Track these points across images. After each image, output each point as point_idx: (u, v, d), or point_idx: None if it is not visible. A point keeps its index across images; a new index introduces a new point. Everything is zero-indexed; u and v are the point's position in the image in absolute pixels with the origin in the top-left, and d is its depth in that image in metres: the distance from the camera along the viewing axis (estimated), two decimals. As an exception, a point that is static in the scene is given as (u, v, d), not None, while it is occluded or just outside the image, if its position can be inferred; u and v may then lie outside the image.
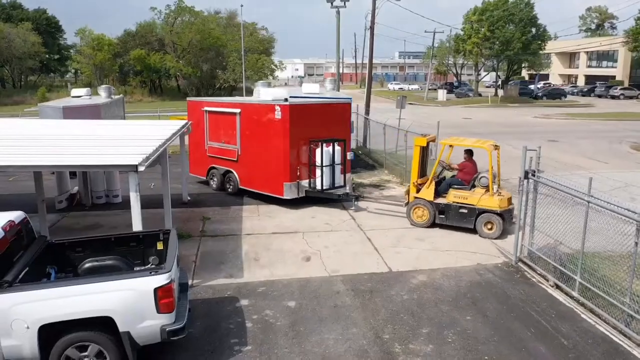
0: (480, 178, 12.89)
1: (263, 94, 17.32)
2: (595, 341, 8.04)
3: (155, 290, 6.63)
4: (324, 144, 14.68)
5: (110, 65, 62.87)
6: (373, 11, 25.26)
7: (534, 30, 63.52)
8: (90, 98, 21.73)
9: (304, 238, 12.48)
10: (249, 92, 62.50)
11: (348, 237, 12.63)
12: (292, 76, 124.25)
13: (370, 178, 19.30)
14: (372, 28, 24.68)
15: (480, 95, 67.04)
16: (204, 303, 9.10)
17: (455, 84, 79.52)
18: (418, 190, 13.36)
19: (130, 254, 8.29)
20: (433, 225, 13.17)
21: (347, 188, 15.60)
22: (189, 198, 15.71)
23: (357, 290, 9.69)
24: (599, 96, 71.02)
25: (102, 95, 22.30)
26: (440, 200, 13.08)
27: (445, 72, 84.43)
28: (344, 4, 26.78)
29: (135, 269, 7.81)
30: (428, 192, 13.14)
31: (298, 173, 14.85)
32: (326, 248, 11.80)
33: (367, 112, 25.52)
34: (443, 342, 7.93)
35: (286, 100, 14.83)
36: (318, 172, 14.74)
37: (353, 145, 25.86)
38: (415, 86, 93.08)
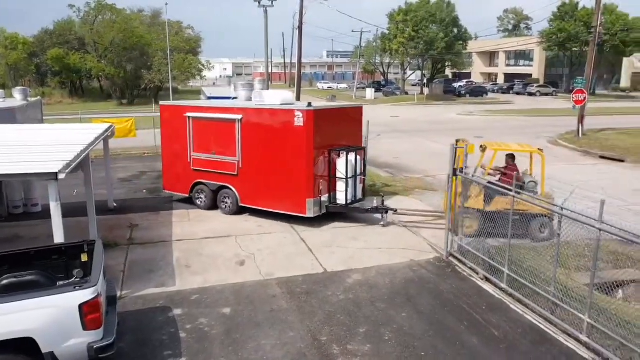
0: (528, 182, 12.44)
1: (268, 97, 14.16)
2: (525, 330, 8.36)
3: (81, 306, 6.26)
4: (348, 153, 13.42)
5: (25, 66, 59.55)
6: (301, 11, 25.31)
7: (456, 30, 65.88)
8: (4, 101, 20.46)
9: (237, 242, 12.27)
10: (177, 93, 61.24)
11: (282, 239, 12.53)
12: (221, 76, 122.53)
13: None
14: (300, 27, 24.67)
15: (407, 93, 68.77)
16: (135, 315, 8.72)
17: (383, 82, 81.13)
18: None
19: (53, 268, 7.80)
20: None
21: (375, 202, 13.74)
22: (115, 204, 15.04)
23: (293, 292, 9.60)
24: (518, 93, 74.52)
25: (17, 98, 21.03)
26: (490, 209, 11.38)
27: (373, 71, 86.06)
28: (272, 3, 26.63)
29: (58, 284, 7.34)
30: (477, 201, 11.86)
31: (320, 187, 13.31)
32: (260, 251, 11.65)
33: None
34: (380, 340, 7.99)
35: (310, 105, 13.03)
36: (340, 184, 13.43)
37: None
38: (344, 85, 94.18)
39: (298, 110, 12.87)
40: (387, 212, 13.53)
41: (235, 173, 14.07)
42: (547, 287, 8.81)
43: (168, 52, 52.19)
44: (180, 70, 59.32)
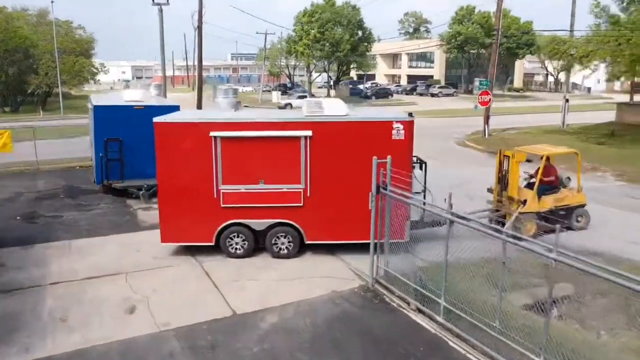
0: (564, 179, 13.88)
1: (328, 107, 11.40)
2: (470, 377, 7.22)
3: None
4: (424, 165, 12.30)
5: None
6: (200, 9, 23.34)
7: (360, 32, 65.99)
8: None
9: (128, 281, 10.26)
10: (69, 99, 56.42)
11: (182, 273, 10.68)
12: (119, 79, 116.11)
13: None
14: (199, 27, 22.73)
15: (313, 96, 67.97)
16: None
17: (289, 85, 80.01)
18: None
19: None
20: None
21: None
22: (-23, 237, 12.49)
23: (195, 347, 7.87)
24: (421, 94, 76.11)
25: None
26: (542, 209, 13.19)
27: (279, 74, 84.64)
28: (167, 1, 24.42)
29: None
30: (534, 205, 13.05)
31: None
32: (155, 292, 9.75)
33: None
34: (304, 408, 6.52)
35: (411, 115, 11.39)
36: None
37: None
38: (249, 88, 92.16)
39: (398, 121, 11.05)
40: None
41: (301, 204, 11.19)
42: (491, 321, 7.74)
43: (55, 54, 47.85)
44: (71, 74, 54.69)
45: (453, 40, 72.90)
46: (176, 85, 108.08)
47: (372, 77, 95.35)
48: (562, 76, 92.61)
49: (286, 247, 11.42)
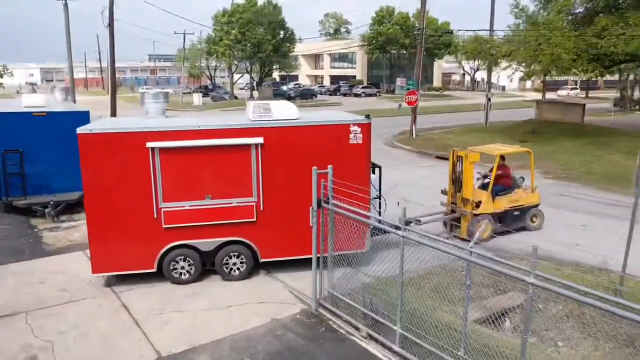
0: (518, 179, 13.60)
1: (278, 110, 10.25)
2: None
3: None
4: (379, 169, 11.93)
5: None
6: (111, 5, 21.44)
7: (282, 33, 65.02)
8: None
9: (28, 322, 8.62)
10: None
11: (95, 309, 9.15)
12: (27, 82, 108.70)
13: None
14: (111, 25, 20.84)
15: (236, 98, 66.28)
16: None
17: (211, 87, 77.81)
18: (478, 206, 12.89)
19: None
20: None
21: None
22: None
23: (112, 406, 6.55)
24: (345, 95, 76.13)
25: None
26: (497, 210, 13.05)
27: (199, 75, 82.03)
28: (73, -3, 22.31)
29: None
30: (488, 206, 12.90)
31: None
32: (63, 335, 8.20)
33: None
34: None
35: (368, 117, 10.48)
36: (376, 204, 11.46)
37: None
38: (169, 90, 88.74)
39: (355, 124, 10.19)
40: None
41: (253, 219, 10.05)
42: (454, 348, 6.94)
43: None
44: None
45: (374, 41, 73.50)
46: (91, 87, 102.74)
47: (295, 78, 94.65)
48: (478, 75, 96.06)
49: (237, 268, 10.21)
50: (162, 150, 9.42)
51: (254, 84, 71.29)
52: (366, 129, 10.26)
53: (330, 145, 10.09)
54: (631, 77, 52.13)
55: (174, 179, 9.59)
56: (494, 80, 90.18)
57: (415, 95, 30.08)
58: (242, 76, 78.56)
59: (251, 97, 64.74)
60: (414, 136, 30.64)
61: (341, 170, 9.24)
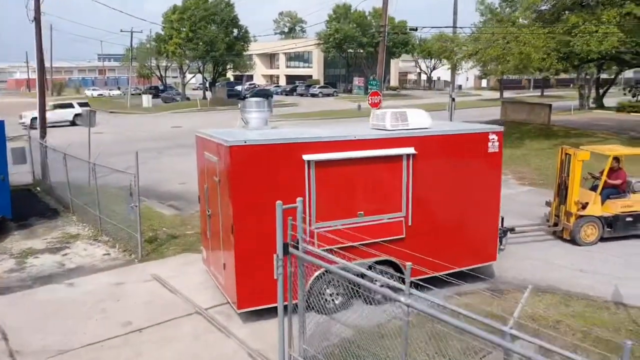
0: (634, 184, 12.78)
1: (414, 120, 9.40)
2: None
3: None
4: None
5: None
6: (37, -2, 18.77)
7: (236, 31, 62.61)
8: None
9: None
10: None
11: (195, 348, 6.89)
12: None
13: (49, 234, 13.28)
14: (37, 19, 18.25)
15: (188, 99, 63.46)
16: None
17: (161, 87, 74.58)
18: (584, 208, 12.40)
19: None
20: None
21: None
22: None
23: None
24: (301, 95, 74.42)
25: None
26: (606, 214, 12.40)
27: (149, 76, 78.57)
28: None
29: None
30: (596, 208, 12.35)
31: None
32: None
33: (43, 133, 18.92)
34: None
35: (502, 124, 10.90)
36: None
37: (29, 179, 19.20)
38: (117, 92, 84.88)
39: (493, 132, 9.95)
40: (505, 234, 11.85)
41: (402, 235, 9.11)
42: None
43: None
44: None
45: (331, 39, 71.89)
46: (33, 89, 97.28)
47: (250, 78, 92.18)
48: (434, 74, 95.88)
49: (374, 296, 8.30)
50: (318, 163, 8.31)
51: (207, 85, 68.52)
52: (501, 137, 10.03)
53: (470, 153, 9.78)
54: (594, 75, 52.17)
55: (328, 195, 8.53)
56: (448, 78, 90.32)
57: (378, 97, 28.30)
58: (194, 76, 75.60)
59: (204, 98, 62.00)
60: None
61: (478, 179, 9.78)
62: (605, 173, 12.69)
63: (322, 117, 44.45)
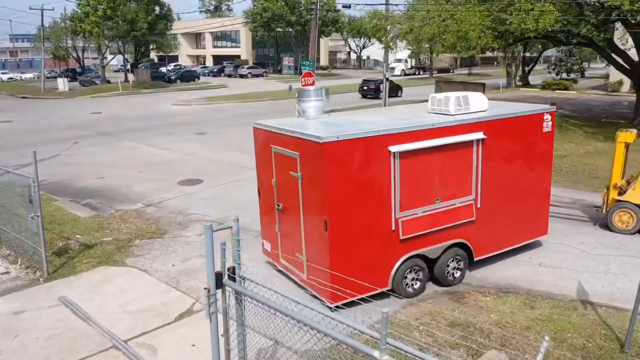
0: None
1: (475, 103, 9.72)
2: None
3: None
4: None
5: None
6: None
7: (158, 9, 59.22)
8: None
9: None
10: None
11: None
12: None
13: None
14: None
15: (109, 82, 59.52)
16: None
17: (79, 70, 69.92)
18: (622, 193, 11.63)
19: None
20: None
21: None
22: None
23: None
24: (229, 76, 72.02)
25: None
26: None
27: (65, 57, 73.35)
28: None
29: None
30: (635, 196, 11.46)
31: None
32: None
33: None
34: None
35: (553, 104, 10.79)
36: None
37: None
38: (31, 75, 78.97)
39: (547, 112, 10.39)
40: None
41: (473, 218, 9.63)
42: None
43: None
44: None
45: (258, 18, 69.61)
46: None
47: (175, 58, 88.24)
48: (364, 53, 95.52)
49: (454, 272, 9.59)
50: (402, 154, 8.54)
51: (129, 66, 64.72)
52: (553, 116, 10.48)
53: (529, 134, 10.17)
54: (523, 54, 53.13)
55: (410, 184, 8.83)
56: (379, 57, 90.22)
57: (312, 77, 27.02)
58: (114, 57, 71.33)
59: (126, 81, 58.46)
60: (311, 122, 27.72)
61: (535, 159, 10.29)
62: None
63: (256, 100, 42.65)
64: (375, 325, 7.38)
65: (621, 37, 28.10)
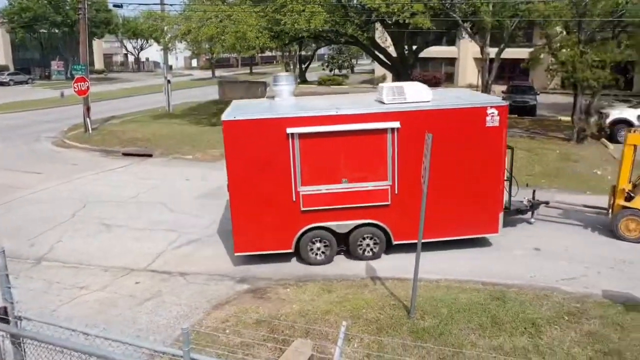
0: None
1: (412, 94, 10.12)
2: None
3: None
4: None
5: None
6: None
7: None
8: None
9: None
10: None
11: None
12: None
13: None
14: None
15: None
16: None
17: None
18: (629, 199, 11.02)
19: None
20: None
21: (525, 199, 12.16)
22: None
23: None
24: (-16, 85, 63.17)
25: None
26: None
27: None
28: None
29: None
30: None
31: None
32: None
33: None
34: None
35: (504, 99, 10.93)
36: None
37: None
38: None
39: (492, 106, 10.11)
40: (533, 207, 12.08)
41: (388, 202, 10.14)
42: None
43: None
44: None
45: (16, 17, 62.15)
46: None
47: None
48: (142, 55, 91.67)
49: (371, 249, 10.45)
50: (301, 135, 9.67)
51: None
52: (502, 111, 10.23)
53: (466, 128, 10.13)
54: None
55: (312, 163, 9.87)
56: (157, 59, 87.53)
57: (85, 83, 25.09)
58: None
59: None
60: (90, 131, 25.66)
61: (476, 153, 10.12)
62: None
63: (10, 111, 37.94)
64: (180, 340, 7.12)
65: (381, 36, 31.24)
